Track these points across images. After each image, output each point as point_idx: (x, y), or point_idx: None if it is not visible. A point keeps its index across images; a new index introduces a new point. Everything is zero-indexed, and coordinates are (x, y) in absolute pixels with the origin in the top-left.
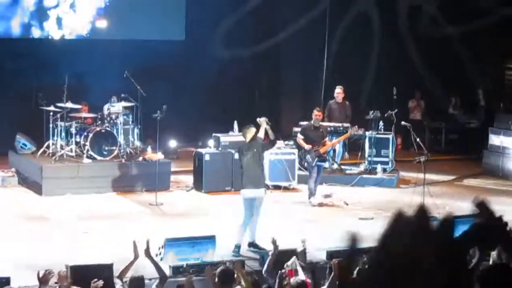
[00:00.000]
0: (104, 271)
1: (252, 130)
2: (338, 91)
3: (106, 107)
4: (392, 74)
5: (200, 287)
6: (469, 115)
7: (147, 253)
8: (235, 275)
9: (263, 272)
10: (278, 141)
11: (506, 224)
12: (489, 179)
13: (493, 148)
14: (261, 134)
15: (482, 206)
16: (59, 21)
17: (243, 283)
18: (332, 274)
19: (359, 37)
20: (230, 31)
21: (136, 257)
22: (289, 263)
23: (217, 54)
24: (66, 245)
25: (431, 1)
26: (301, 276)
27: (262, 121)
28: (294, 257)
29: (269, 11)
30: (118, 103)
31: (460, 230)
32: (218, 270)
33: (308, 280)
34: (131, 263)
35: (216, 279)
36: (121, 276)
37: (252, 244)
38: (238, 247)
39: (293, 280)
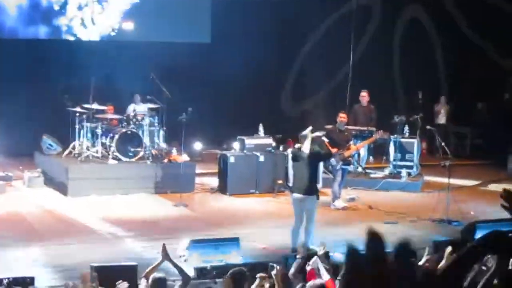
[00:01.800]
0: (128, 272)
1: (309, 137)
2: (363, 95)
3: (130, 107)
4: (418, 78)
5: None
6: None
7: (167, 256)
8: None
9: (290, 275)
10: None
11: None
12: None
13: None
14: (306, 142)
15: (373, 237)
16: (86, 23)
17: (266, 287)
18: None
19: (384, 41)
20: (255, 34)
21: (163, 259)
22: (310, 262)
23: (243, 57)
24: (91, 246)
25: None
26: (325, 276)
27: (308, 131)
28: (316, 257)
29: (295, 13)
30: (143, 104)
31: (480, 234)
32: (230, 271)
33: (331, 279)
34: (158, 264)
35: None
36: (147, 275)
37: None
38: (293, 250)
39: (311, 282)
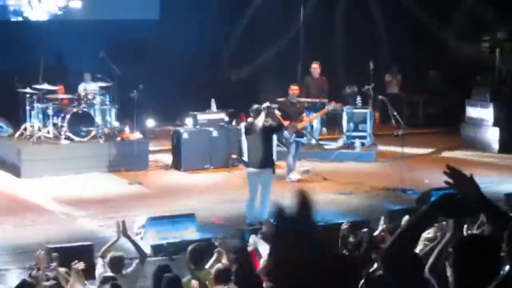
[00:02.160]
0: (84, 252)
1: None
2: (315, 66)
3: (81, 86)
4: (369, 48)
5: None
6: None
7: (125, 233)
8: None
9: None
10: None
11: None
12: (467, 151)
13: (470, 120)
14: (259, 116)
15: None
16: (32, 3)
17: (224, 261)
18: None
19: (336, 11)
20: (204, 9)
21: (119, 237)
22: (250, 242)
23: (192, 32)
24: (46, 227)
25: None
26: (264, 253)
27: (264, 106)
28: (254, 236)
29: None
30: (94, 83)
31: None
32: (189, 248)
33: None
34: (114, 242)
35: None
36: (103, 254)
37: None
38: (250, 224)
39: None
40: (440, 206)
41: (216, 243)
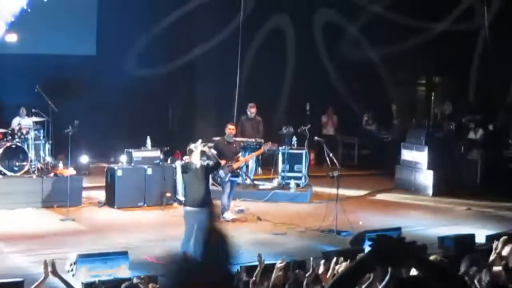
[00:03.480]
0: None
1: (198, 149)
2: (251, 106)
3: (16, 120)
4: (306, 90)
5: None
6: (383, 129)
7: (54, 272)
8: None
9: None
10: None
11: (411, 242)
12: (401, 194)
13: (405, 163)
14: (196, 155)
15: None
16: None
17: None
18: None
19: (272, 54)
20: (142, 47)
21: (46, 275)
22: None
23: (130, 69)
24: None
25: (342, 16)
26: None
27: (198, 144)
28: None
29: (182, 29)
30: (29, 118)
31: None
32: (122, 286)
33: None
34: (41, 282)
35: None
36: None
37: None
38: None
39: None
40: (377, 255)
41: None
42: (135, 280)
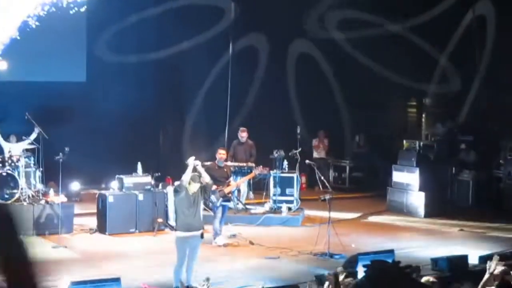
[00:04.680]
0: None
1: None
2: (242, 130)
3: (6, 147)
4: (296, 113)
5: None
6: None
7: None
8: None
9: None
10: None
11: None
12: (393, 215)
13: (396, 185)
14: (187, 174)
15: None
16: None
17: None
18: None
19: (264, 77)
20: (131, 73)
21: None
22: None
23: (119, 95)
24: None
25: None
26: None
27: (190, 161)
28: None
29: (173, 55)
30: (18, 144)
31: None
32: None
33: None
34: None
35: None
36: None
37: None
38: None
39: None
40: (373, 279)
41: None
42: None
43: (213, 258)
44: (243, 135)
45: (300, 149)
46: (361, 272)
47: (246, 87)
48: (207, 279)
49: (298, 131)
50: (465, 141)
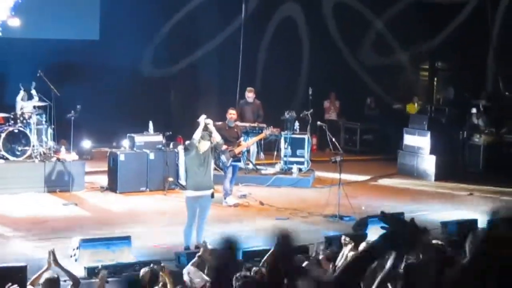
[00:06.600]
0: (17, 273)
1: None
2: (249, 90)
3: (18, 105)
4: (308, 74)
5: None
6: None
7: (55, 262)
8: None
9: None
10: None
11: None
12: (404, 179)
13: (407, 148)
14: (198, 133)
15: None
16: None
17: (169, 286)
18: None
19: (275, 38)
20: (144, 31)
21: (49, 266)
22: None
23: (132, 54)
24: None
25: None
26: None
27: (201, 119)
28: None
29: (187, 18)
30: (31, 102)
31: (372, 229)
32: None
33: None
34: (44, 271)
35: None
36: (33, 283)
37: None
38: (186, 248)
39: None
40: (389, 239)
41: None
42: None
43: (223, 218)
44: (249, 95)
45: (311, 111)
46: (371, 235)
47: (260, 47)
48: (205, 242)
49: (310, 92)
50: (477, 106)
